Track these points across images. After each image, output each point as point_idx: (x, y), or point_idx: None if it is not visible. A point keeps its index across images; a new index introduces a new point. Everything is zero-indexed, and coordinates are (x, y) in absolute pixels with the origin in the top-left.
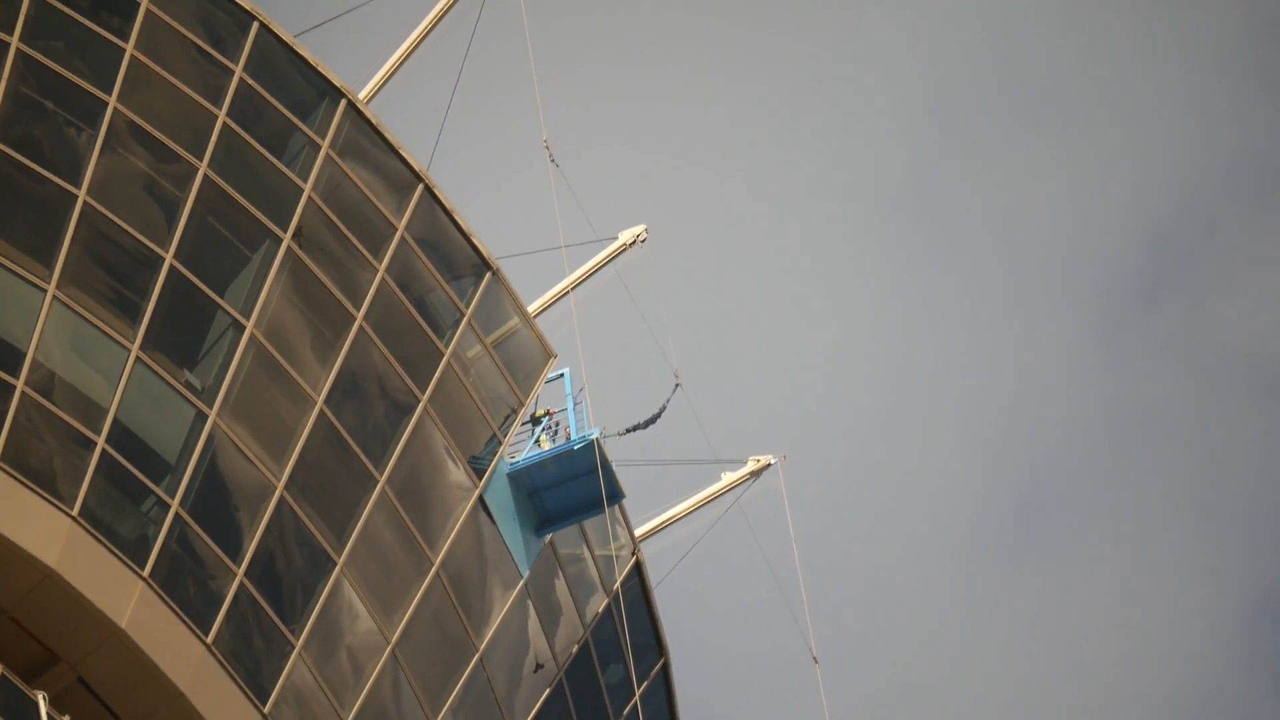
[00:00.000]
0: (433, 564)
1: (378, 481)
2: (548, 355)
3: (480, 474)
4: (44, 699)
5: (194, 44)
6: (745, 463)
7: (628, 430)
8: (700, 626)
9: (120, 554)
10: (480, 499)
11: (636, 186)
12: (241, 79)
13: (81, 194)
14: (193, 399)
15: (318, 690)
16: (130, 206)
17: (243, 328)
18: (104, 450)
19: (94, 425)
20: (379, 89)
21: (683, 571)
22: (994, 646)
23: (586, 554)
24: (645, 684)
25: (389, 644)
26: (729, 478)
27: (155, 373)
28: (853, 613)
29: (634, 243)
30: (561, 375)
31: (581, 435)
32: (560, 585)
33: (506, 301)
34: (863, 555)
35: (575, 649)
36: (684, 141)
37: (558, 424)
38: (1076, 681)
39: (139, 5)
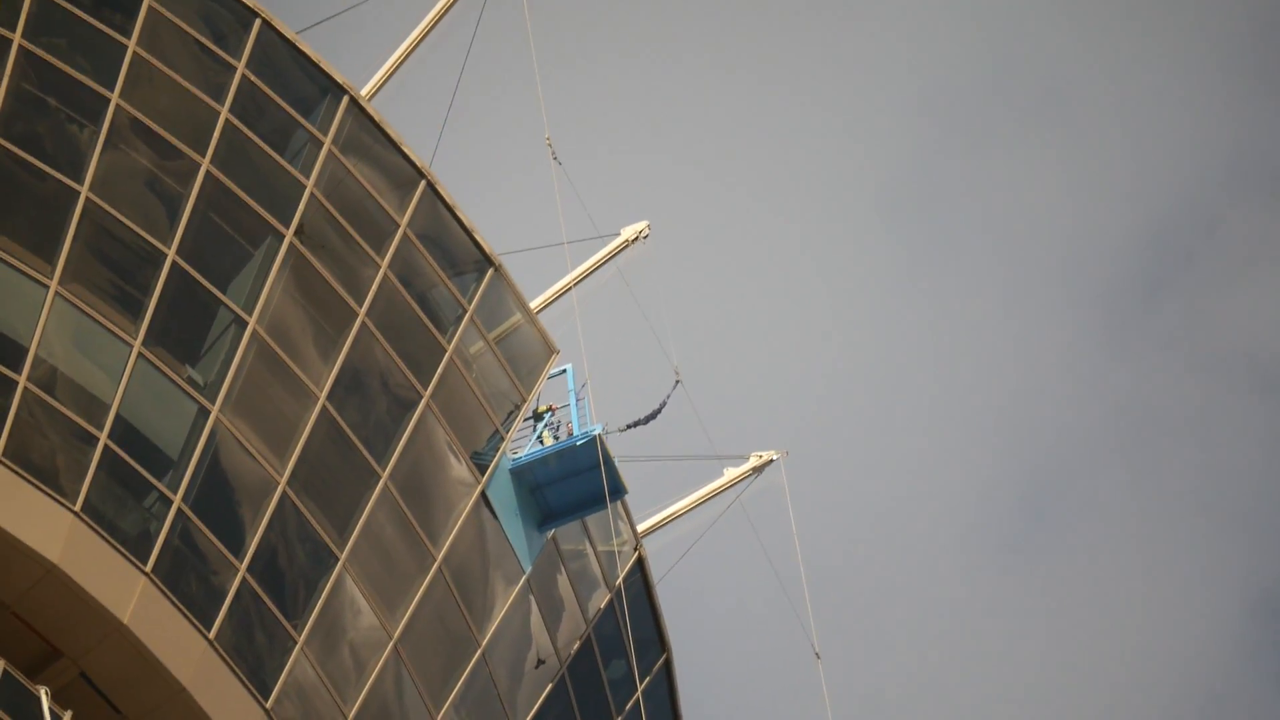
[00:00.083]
0: (435, 559)
1: (380, 477)
2: (550, 351)
3: (483, 469)
4: (46, 694)
5: (196, 40)
6: (747, 459)
7: (629, 426)
8: (703, 622)
9: (123, 549)
10: (483, 494)
11: (638, 183)
12: (244, 75)
13: (84, 190)
14: (195, 395)
15: (320, 685)
16: (132, 203)
17: (245, 324)
18: (106, 446)
19: (96, 421)
20: (381, 86)
21: (685, 567)
22: (996, 643)
23: (589, 550)
24: (647, 679)
25: (391, 639)
26: (731, 474)
27: (157, 368)
28: (855, 608)
29: (636, 239)
30: (564, 371)
31: (584, 431)
32: (562, 581)
33: (509, 297)
34: (865, 551)
35: (577, 645)
36: (686, 139)
37: (560, 420)
38: (1078, 677)
39: (141, 2)
